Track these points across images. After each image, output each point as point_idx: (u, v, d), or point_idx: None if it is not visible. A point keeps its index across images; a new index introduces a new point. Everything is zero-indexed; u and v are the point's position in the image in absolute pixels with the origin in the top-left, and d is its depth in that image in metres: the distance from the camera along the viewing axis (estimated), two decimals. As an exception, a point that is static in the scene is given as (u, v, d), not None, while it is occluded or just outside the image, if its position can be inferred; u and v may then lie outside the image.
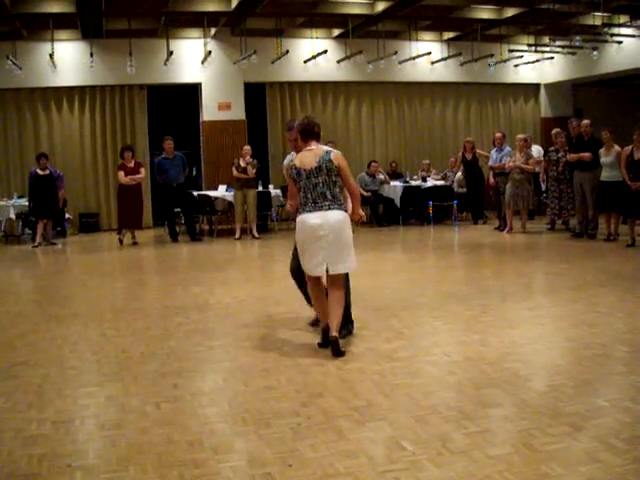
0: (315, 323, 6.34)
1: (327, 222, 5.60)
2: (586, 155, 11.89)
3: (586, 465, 3.44)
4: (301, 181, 5.70)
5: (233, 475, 3.49)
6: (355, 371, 5.14)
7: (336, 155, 5.68)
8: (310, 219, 5.65)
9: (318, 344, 5.76)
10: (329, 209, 5.63)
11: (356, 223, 6.01)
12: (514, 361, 5.22)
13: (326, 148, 5.79)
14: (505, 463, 3.49)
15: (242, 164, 13.96)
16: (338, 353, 5.47)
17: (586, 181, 12.01)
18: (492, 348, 5.63)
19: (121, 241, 13.76)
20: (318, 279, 5.80)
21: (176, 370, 5.29)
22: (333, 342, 5.50)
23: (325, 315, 5.72)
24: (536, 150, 14.88)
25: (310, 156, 5.70)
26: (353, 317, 6.26)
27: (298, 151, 5.94)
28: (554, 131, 13.72)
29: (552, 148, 13.28)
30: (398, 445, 3.77)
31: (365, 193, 15.46)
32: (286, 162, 6.27)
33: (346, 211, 5.80)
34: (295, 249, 6.03)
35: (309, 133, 5.78)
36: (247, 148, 14.25)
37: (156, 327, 6.78)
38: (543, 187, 14.88)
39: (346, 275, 5.96)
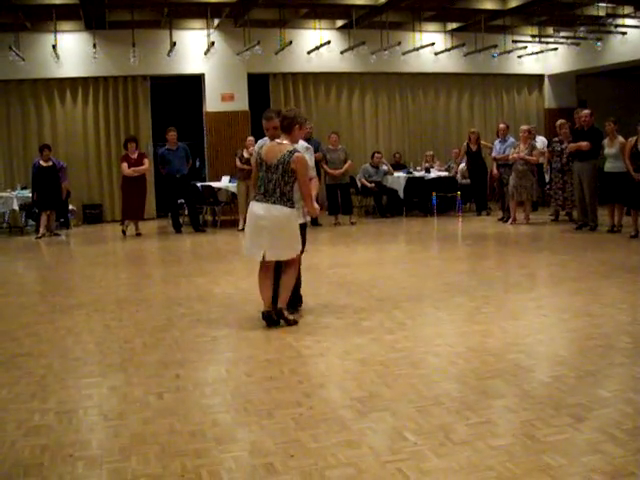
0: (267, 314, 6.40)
1: (269, 215, 6.06)
2: (584, 144, 11.83)
3: (588, 456, 3.45)
4: (261, 172, 6.16)
5: (235, 465, 3.49)
6: (357, 362, 5.15)
7: (296, 158, 5.97)
8: (256, 208, 6.14)
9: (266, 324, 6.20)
10: (274, 204, 6.04)
11: (313, 217, 6.35)
12: (517, 352, 5.23)
13: (291, 147, 6.06)
14: (507, 454, 3.49)
15: (246, 155, 13.94)
16: (283, 322, 6.17)
17: (584, 171, 11.97)
18: (495, 339, 5.63)
19: (124, 232, 13.76)
20: (267, 266, 6.27)
21: (179, 360, 5.30)
22: (278, 314, 6.18)
23: (266, 300, 6.26)
24: (540, 141, 14.85)
25: (275, 151, 6.06)
26: (354, 308, 6.46)
27: (272, 139, 6.28)
28: (559, 122, 13.67)
29: (556, 139, 13.24)
30: (400, 435, 3.77)
31: (368, 184, 15.45)
32: (256, 147, 6.60)
33: (292, 207, 6.09)
34: None
35: (283, 127, 6.13)
36: (250, 139, 14.20)
37: (159, 318, 6.79)
38: (547, 178, 14.84)
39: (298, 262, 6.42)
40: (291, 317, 6.23)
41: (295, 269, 6.33)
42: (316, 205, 6.32)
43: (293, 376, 4.86)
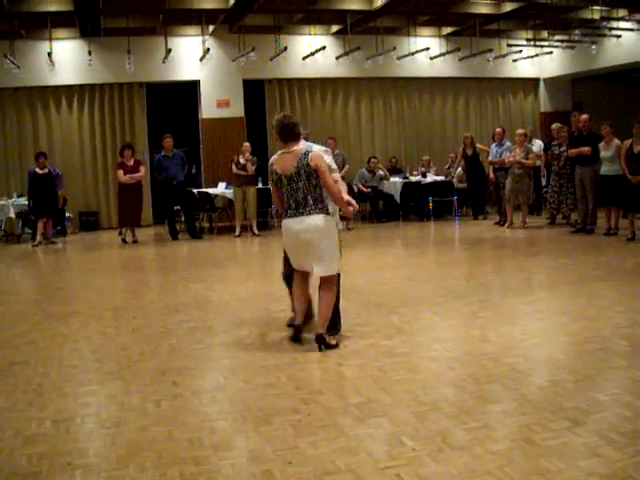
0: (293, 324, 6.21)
1: (307, 228, 5.62)
2: (585, 149, 11.87)
3: (587, 460, 3.44)
4: (283, 187, 5.72)
5: (233, 472, 3.48)
6: (355, 368, 5.14)
7: (314, 155, 5.58)
8: (292, 225, 5.72)
9: (290, 338, 5.84)
10: (309, 214, 5.62)
11: (350, 217, 5.90)
12: (514, 356, 5.22)
13: (305, 148, 5.68)
14: (506, 458, 3.49)
15: (242, 161, 13.95)
16: (324, 347, 5.56)
17: (586, 176, 11.99)
18: (492, 343, 5.63)
19: (124, 241, 13.73)
20: (304, 276, 5.88)
21: (176, 368, 5.29)
22: (319, 339, 5.56)
23: (300, 313, 5.83)
24: (537, 144, 14.87)
25: (290, 160, 5.64)
26: (351, 314, 6.42)
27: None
28: (554, 125, 13.70)
29: (555, 142, 13.25)
30: (398, 441, 3.76)
31: (365, 189, 15.45)
32: (271, 161, 5.95)
33: (328, 213, 5.71)
34: (285, 254, 6.06)
35: (288, 135, 5.70)
36: (247, 145, 14.24)
37: (156, 325, 6.78)
38: (543, 182, 14.87)
39: (337, 276, 5.94)
40: (333, 341, 5.67)
41: (335, 284, 5.85)
42: (352, 201, 5.81)
43: (291, 383, 4.85)
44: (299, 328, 5.78)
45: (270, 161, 5.96)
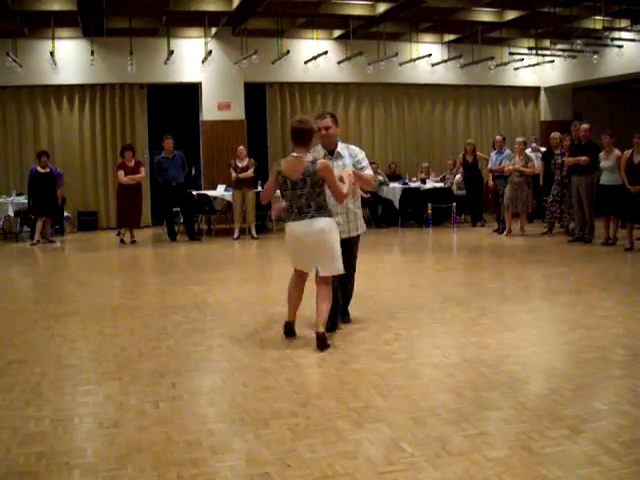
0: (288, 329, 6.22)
1: (311, 231, 5.77)
2: (582, 159, 11.89)
3: (585, 468, 3.44)
4: (287, 190, 5.84)
5: (231, 475, 3.48)
6: (354, 372, 5.14)
7: (321, 166, 5.70)
8: (295, 228, 5.85)
9: (284, 333, 6.13)
10: (312, 217, 5.77)
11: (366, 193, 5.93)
12: (513, 364, 5.22)
13: (311, 157, 5.79)
14: (504, 465, 3.49)
15: (239, 164, 13.98)
16: (323, 346, 5.66)
17: (583, 185, 12.02)
18: (491, 350, 5.63)
19: (122, 241, 13.73)
20: (302, 276, 6.09)
21: (175, 369, 5.28)
22: (319, 337, 5.68)
23: (292, 309, 6.12)
24: (534, 154, 14.77)
25: (297, 166, 5.74)
26: (351, 317, 6.59)
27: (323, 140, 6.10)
28: (553, 134, 13.73)
29: (558, 152, 13.26)
30: (397, 446, 3.76)
31: (364, 195, 15.42)
32: (280, 161, 6.05)
33: (331, 216, 5.88)
34: None
35: (297, 139, 5.81)
36: (241, 148, 14.30)
37: (154, 326, 6.77)
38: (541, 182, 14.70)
39: (347, 275, 6.14)
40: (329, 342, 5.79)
41: (332, 287, 5.96)
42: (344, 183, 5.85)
43: (289, 386, 4.85)
44: (288, 324, 6.09)
45: (280, 160, 6.11)
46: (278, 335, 6.15)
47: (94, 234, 15.73)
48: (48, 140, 15.89)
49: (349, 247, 6.24)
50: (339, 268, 5.89)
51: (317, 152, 6.14)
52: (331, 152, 6.21)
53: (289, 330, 6.08)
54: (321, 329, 5.71)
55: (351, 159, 6.22)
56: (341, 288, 6.31)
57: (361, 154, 6.32)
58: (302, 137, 5.78)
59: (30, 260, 12.35)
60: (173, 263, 11.86)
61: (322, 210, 5.80)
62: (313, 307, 6.19)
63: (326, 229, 5.79)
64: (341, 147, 6.27)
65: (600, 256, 10.83)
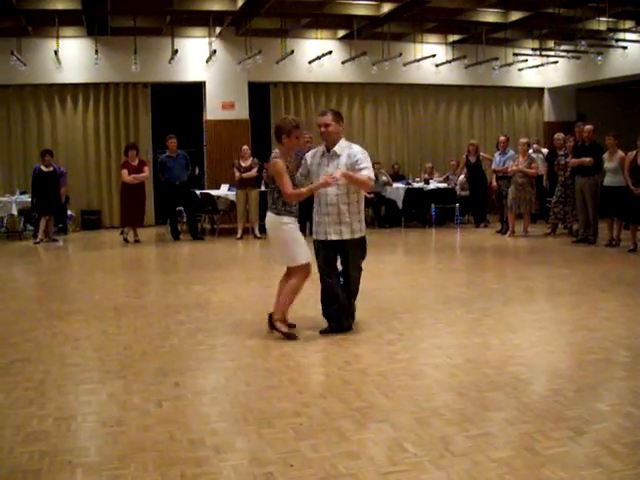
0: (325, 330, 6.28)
1: (267, 223, 6.25)
2: (587, 160, 11.89)
3: (587, 469, 3.44)
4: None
5: (234, 474, 3.49)
6: (357, 372, 5.14)
7: (268, 165, 6.20)
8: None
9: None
10: (268, 211, 6.19)
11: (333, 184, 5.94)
12: (516, 364, 5.23)
13: (273, 154, 6.12)
14: (507, 466, 3.49)
15: (243, 164, 14.00)
16: (270, 327, 6.21)
17: (586, 186, 12.01)
18: (494, 351, 5.63)
19: (126, 240, 13.74)
20: (285, 273, 6.34)
21: (178, 368, 5.29)
22: (270, 319, 6.21)
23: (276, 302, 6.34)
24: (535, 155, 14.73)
25: (270, 163, 6.17)
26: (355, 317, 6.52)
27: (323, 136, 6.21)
28: (557, 135, 13.72)
29: (561, 152, 13.25)
30: (400, 447, 3.76)
31: (368, 195, 15.42)
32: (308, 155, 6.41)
33: (279, 214, 6.08)
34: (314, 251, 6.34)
35: (275, 136, 6.20)
36: (245, 148, 14.32)
37: (158, 325, 6.78)
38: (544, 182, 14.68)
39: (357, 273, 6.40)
40: (284, 329, 6.07)
41: (298, 280, 6.12)
42: (321, 181, 5.95)
43: (293, 386, 4.85)
44: (270, 315, 6.29)
45: (310, 153, 6.46)
46: (281, 335, 6.15)
47: (97, 233, 15.73)
48: (52, 139, 15.89)
49: (342, 250, 6.20)
50: (294, 260, 6.09)
51: (317, 150, 6.29)
52: (329, 150, 6.16)
53: (269, 321, 6.30)
54: (275, 315, 6.16)
55: (349, 159, 6.04)
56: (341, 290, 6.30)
57: (362, 154, 6.10)
58: (276, 135, 6.15)
59: (33, 259, 12.36)
60: (176, 262, 11.87)
61: (273, 206, 6.11)
62: (315, 308, 6.22)
63: (272, 223, 6.14)
64: (341, 146, 6.11)
65: (603, 257, 10.82)
